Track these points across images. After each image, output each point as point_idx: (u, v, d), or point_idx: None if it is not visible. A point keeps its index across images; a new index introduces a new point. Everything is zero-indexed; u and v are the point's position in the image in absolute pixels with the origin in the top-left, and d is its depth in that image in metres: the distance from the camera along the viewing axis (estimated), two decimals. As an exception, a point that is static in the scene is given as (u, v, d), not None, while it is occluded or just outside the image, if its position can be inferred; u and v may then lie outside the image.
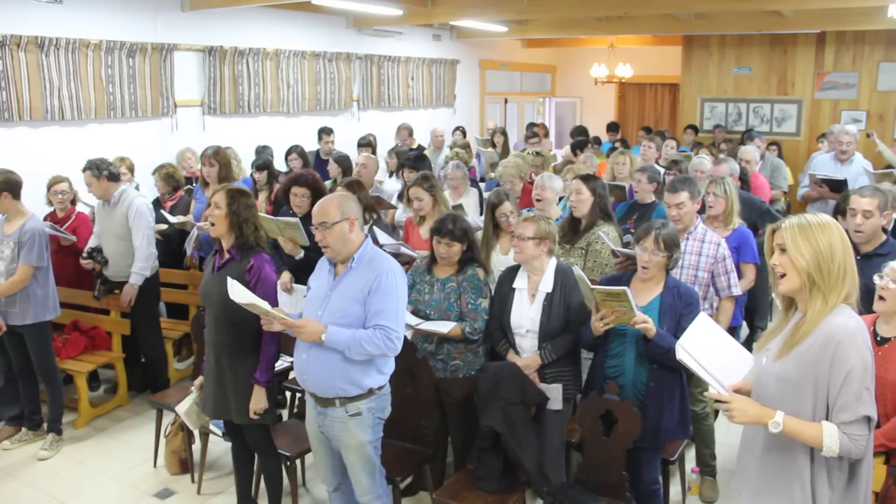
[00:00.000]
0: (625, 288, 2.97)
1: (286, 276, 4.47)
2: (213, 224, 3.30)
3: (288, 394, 4.62)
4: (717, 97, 10.93)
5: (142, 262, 4.84)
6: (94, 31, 6.20)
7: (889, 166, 6.99)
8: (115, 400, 5.16)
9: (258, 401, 3.26)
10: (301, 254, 4.54)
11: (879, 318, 2.99)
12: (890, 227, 3.81)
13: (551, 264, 3.47)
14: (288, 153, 6.86)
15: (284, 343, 3.36)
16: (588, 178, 4.26)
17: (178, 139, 6.96)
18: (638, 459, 3.21)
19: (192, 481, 4.14)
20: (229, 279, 2.94)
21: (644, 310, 3.09)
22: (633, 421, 3.08)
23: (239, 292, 2.85)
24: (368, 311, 2.85)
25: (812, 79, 10.26)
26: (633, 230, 4.59)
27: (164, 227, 5.50)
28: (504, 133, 9.01)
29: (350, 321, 2.85)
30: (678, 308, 3.14)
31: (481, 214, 5.28)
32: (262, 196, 5.94)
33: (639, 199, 4.97)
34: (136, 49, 6.51)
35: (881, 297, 2.92)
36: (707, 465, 4.00)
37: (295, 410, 4.45)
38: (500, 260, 4.08)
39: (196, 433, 4.09)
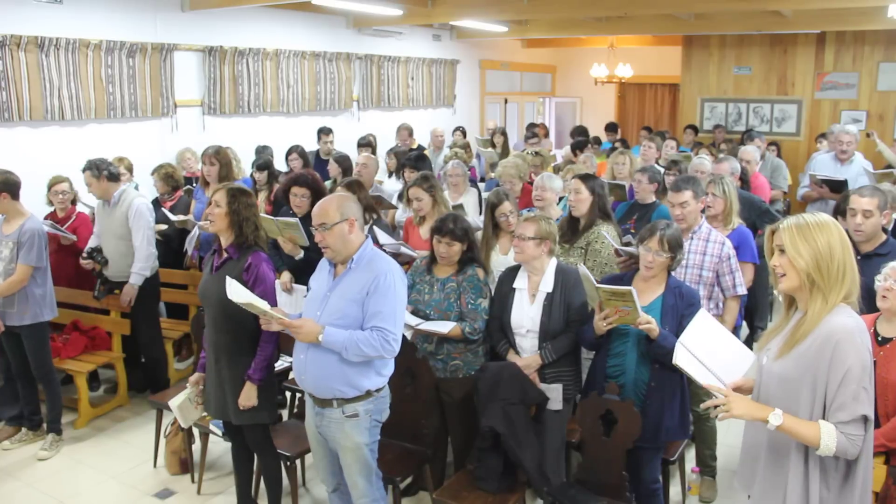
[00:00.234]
0: (630, 288, 2.97)
1: (286, 276, 4.47)
2: (212, 222, 3.30)
3: (288, 394, 4.62)
4: (717, 97, 10.93)
5: (142, 262, 4.84)
6: (94, 31, 6.20)
7: (889, 166, 6.99)
8: (115, 400, 5.16)
9: (248, 397, 3.26)
10: (301, 254, 4.54)
11: (880, 318, 2.99)
12: (890, 227, 3.81)
13: (551, 264, 3.47)
14: (288, 153, 6.85)
15: (284, 343, 3.36)
16: (586, 178, 4.25)
17: (178, 139, 6.96)
18: (639, 459, 3.21)
19: (192, 481, 4.14)
20: (228, 278, 2.94)
21: (646, 309, 3.09)
22: (633, 421, 3.08)
23: (237, 292, 2.85)
24: (366, 312, 2.84)
25: (812, 79, 10.26)
26: (633, 230, 4.59)
27: (164, 227, 5.51)
28: (504, 133, 9.01)
29: (348, 322, 2.84)
30: (680, 308, 3.14)
31: (480, 214, 5.29)
32: (262, 196, 5.94)
33: (639, 199, 4.97)
34: (136, 49, 6.51)
35: (884, 297, 2.92)
36: (707, 466, 4.00)
37: (295, 410, 4.45)
38: (500, 260, 4.08)
39: (196, 433, 4.09)
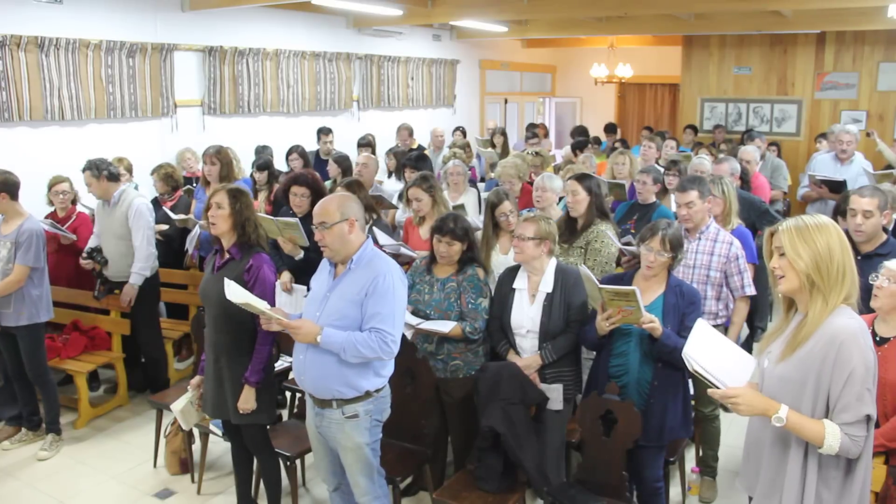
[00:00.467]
0: (634, 288, 2.97)
1: (286, 276, 4.47)
2: (213, 224, 3.30)
3: (288, 394, 4.62)
4: (717, 97, 10.93)
5: (142, 262, 4.84)
6: (94, 31, 6.20)
7: (889, 166, 7.00)
8: (115, 400, 5.16)
9: (246, 400, 3.26)
10: (301, 254, 4.54)
11: (878, 318, 2.99)
12: (890, 227, 3.81)
13: (551, 264, 3.47)
14: (289, 153, 6.86)
15: (284, 343, 3.36)
16: (582, 178, 4.25)
17: (178, 139, 6.96)
18: (641, 458, 3.21)
19: (192, 481, 4.14)
20: (226, 280, 2.95)
21: (647, 309, 3.08)
22: (633, 421, 3.08)
23: (235, 292, 2.85)
24: (365, 313, 2.83)
25: (812, 79, 10.26)
26: (633, 230, 4.59)
27: (164, 227, 5.51)
28: (504, 133, 9.00)
29: (347, 323, 2.83)
30: (681, 307, 3.14)
31: (480, 214, 5.28)
32: (262, 196, 5.95)
33: (641, 199, 4.97)
34: (136, 49, 6.51)
35: (876, 296, 2.92)
36: (708, 466, 4.00)
37: (295, 410, 4.45)
38: (500, 260, 4.08)
39: (196, 433, 4.09)
